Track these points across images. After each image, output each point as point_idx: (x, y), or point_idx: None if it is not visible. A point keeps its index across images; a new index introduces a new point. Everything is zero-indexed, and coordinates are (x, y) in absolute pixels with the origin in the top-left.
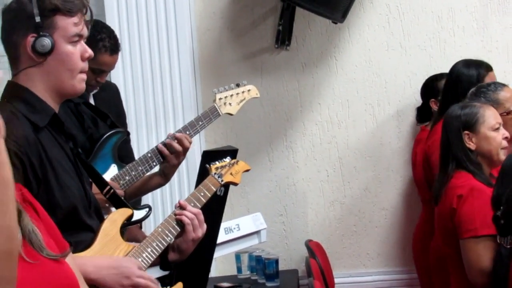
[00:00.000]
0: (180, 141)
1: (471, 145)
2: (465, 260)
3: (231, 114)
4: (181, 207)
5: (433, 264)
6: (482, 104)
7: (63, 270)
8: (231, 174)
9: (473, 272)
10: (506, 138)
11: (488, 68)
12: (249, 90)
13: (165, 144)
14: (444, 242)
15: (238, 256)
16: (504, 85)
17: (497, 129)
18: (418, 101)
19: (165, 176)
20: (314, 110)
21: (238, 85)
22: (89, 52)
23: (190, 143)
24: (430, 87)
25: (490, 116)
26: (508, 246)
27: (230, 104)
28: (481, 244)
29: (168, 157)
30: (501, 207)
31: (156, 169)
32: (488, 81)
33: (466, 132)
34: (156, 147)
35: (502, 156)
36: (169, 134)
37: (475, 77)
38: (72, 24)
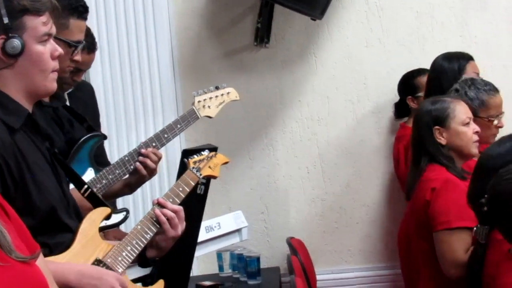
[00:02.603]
0: (148, 157)
1: (442, 140)
2: (439, 252)
3: (210, 117)
4: (160, 205)
5: (405, 259)
6: (453, 99)
7: (33, 272)
8: (209, 167)
9: (447, 264)
10: (476, 132)
11: (468, 57)
12: (228, 93)
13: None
14: (417, 235)
15: (219, 255)
16: (497, 91)
17: (468, 123)
18: (398, 97)
19: (131, 189)
20: (294, 107)
21: (217, 88)
22: (59, 50)
23: (159, 156)
24: (406, 84)
25: (460, 111)
26: (483, 241)
27: (209, 106)
28: (455, 236)
29: (143, 175)
30: (485, 195)
31: None
32: (470, 70)
33: (437, 127)
34: (139, 148)
35: (474, 150)
36: (141, 143)
37: (456, 69)
38: (41, 24)
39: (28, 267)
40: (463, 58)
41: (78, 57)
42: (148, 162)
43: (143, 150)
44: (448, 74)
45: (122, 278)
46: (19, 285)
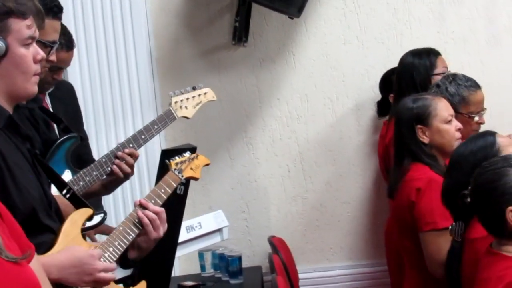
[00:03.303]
0: (125, 160)
1: (425, 139)
2: (426, 253)
3: (187, 118)
4: (142, 206)
5: (393, 257)
6: (434, 96)
7: (24, 272)
8: (191, 169)
9: (434, 265)
10: (459, 129)
11: (437, 53)
12: (205, 93)
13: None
14: (402, 235)
15: (201, 254)
16: (479, 87)
17: (450, 121)
18: (376, 94)
19: (107, 190)
20: (273, 105)
21: (194, 88)
22: (41, 54)
23: (136, 156)
24: (387, 81)
25: (442, 109)
26: (459, 239)
27: (186, 107)
28: (442, 237)
29: (119, 178)
30: (463, 189)
31: None
32: (440, 66)
33: (419, 126)
34: (116, 150)
35: None
36: (118, 145)
37: (428, 64)
38: (25, 27)
39: (19, 267)
40: (432, 54)
41: (53, 57)
42: (123, 165)
43: (119, 153)
44: (420, 70)
45: (100, 252)
46: (8, 285)
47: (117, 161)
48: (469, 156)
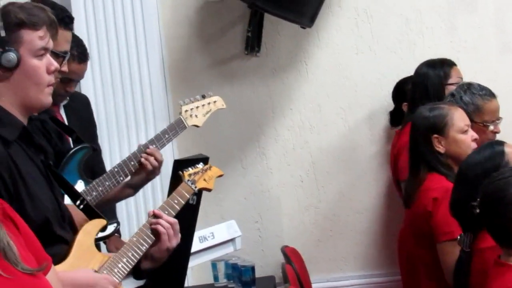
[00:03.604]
0: (154, 156)
1: (441, 148)
2: (443, 263)
3: (197, 126)
4: (155, 216)
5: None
6: (450, 106)
7: (40, 284)
8: (204, 180)
9: (451, 275)
10: (475, 140)
11: (451, 63)
12: (215, 101)
13: (137, 157)
14: (418, 243)
15: (214, 264)
16: (494, 96)
17: (466, 131)
18: (389, 103)
19: (135, 189)
20: (286, 115)
21: (203, 97)
22: (55, 65)
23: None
24: (401, 90)
25: (458, 119)
26: (468, 250)
27: (196, 116)
28: (459, 247)
29: (149, 170)
30: (471, 201)
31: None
32: (454, 76)
33: (435, 135)
34: (129, 160)
35: None
36: (139, 145)
37: (442, 75)
38: (37, 38)
39: (35, 279)
40: (447, 64)
41: (65, 68)
42: (151, 159)
43: (149, 150)
44: (434, 80)
45: (116, 282)
46: None
47: (144, 155)
48: (478, 166)
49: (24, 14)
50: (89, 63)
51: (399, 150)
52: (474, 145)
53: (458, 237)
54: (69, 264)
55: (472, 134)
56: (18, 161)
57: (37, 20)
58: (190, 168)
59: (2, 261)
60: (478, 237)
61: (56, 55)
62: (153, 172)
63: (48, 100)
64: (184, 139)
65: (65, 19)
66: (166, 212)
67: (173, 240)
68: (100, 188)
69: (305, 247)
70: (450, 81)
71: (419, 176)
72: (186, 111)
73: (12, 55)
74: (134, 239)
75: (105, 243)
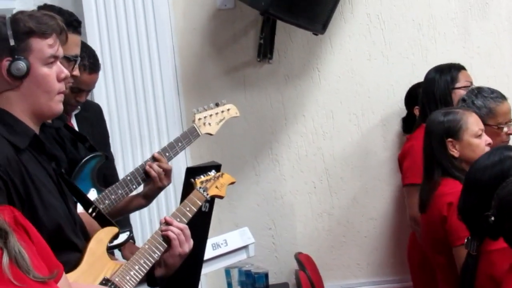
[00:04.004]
0: (158, 162)
1: (455, 153)
2: (459, 267)
3: (210, 134)
4: (167, 223)
5: (417, 272)
6: (464, 110)
7: None
8: (216, 187)
9: None
10: (489, 144)
11: (459, 67)
12: (228, 109)
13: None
14: (434, 249)
15: (227, 271)
16: (505, 98)
17: (480, 135)
18: (402, 109)
19: (147, 198)
20: (299, 122)
21: (217, 105)
22: (65, 72)
23: (162, 165)
24: (413, 95)
25: (472, 123)
26: (475, 253)
27: (209, 124)
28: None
29: (154, 178)
30: (480, 208)
31: (139, 189)
32: (462, 79)
33: (450, 139)
34: (142, 168)
35: None
36: (153, 154)
37: (449, 79)
38: (47, 46)
39: (46, 287)
40: (454, 68)
41: (76, 72)
42: (154, 166)
43: (156, 154)
44: (441, 84)
45: None
46: None
47: (149, 162)
48: (486, 171)
49: (33, 22)
50: (102, 73)
51: (403, 153)
52: (488, 149)
53: (465, 240)
54: (81, 271)
55: (486, 138)
56: (30, 168)
57: (46, 28)
58: (202, 176)
59: (14, 269)
60: (486, 240)
61: (67, 59)
62: (160, 180)
63: (59, 107)
64: (197, 147)
65: (73, 23)
66: (178, 220)
67: (184, 245)
68: (113, 197)
69: (318, 253)
70: (458, 85)
71: (433, 180)
72: (199, 119)
73: (22, 64)
74: (146, 246)
75: (120, 250)
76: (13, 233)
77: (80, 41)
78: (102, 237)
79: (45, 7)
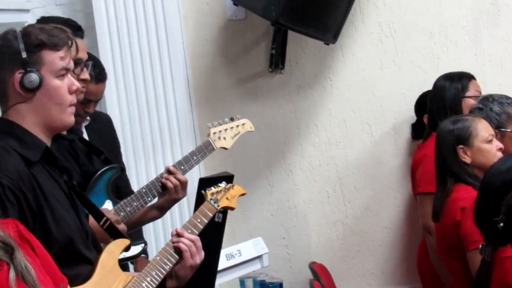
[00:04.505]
0: (174, 175)
1: (467, 159)
2: (474, 272)
3: (225, 148)
4: (178, 234)
5: (434, 280)
6: (473, 117)
7: None
8: (227, 198)
9: None
10: (500, 149)
11: (470, 76)
12: (243, 124)
13: (163, 178)
14: (448, 256)
15: (242, 282)
16: None
17: (490, 141)
18: (414, 117)
19: (161, 210)
20: (311, 131)
21: (232, 119)
22: (76, 85)
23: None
24: (422, 103)
25: (482, 129)
26: (489, 259)
27: (224, 138)
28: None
29: (171, 190)
30: (493, 213)
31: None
32: (472, 89)
33: (461, 146)
34: (157, 181)
35: None
36: (167, 167)
37: (460, 88)
38: (58, 58)
39: None
40: (465, 77)
41: (86, 75)
42: (171, 178)
43: (171, 167)
44: (451, 92)
45: None
46: None
47: (165, 174)
48: (501, 176)
49: (44, 35)
50: (114, 83)
51: (416, 163)
52: (499, 155)
53: (480, 246)
54: (93, 284)
55: (497, 143)
56: (41, 181)
57: (58, 41)
58: (212, 187)
59: (20, 284)
60: (499, 247)
61: (73, 62)
62: (176, 193)
63: (71, 119)
64: (210, 158)
65: (72, 29)
66: (189, 231)
67: (196, 257)
68: (128, 209)
69: (333, 263)
70: (468, 94)
71: (446, 188)
72: (214, 133)
73: (34, 76)
74: (158, 258)
75: (132, 263)
76: (19, 248)
77: (84, 46)
78: (113, 249)
79: (42, 20)
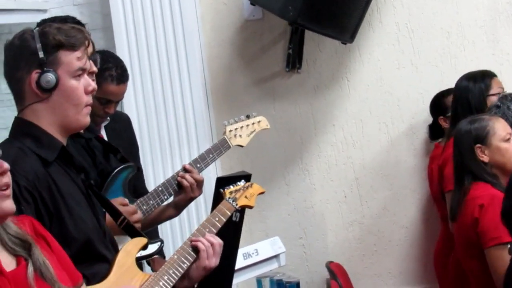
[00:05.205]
0: (190, 173)
1: (484, 158)
2: (493, 269)
3: (241, 146)
4: (185, 170)
5: (453, 280)
6: (491, 116)
7: None
8: (245, 197)
9: (501, 280)
10: None
11: (492, 74)
12: (259, 122)
13: (179, 177)
14: (467, 254)
15: (259, 281)
16: None
17: (508, 139)
18: (431, 118)
19: (178, 209)
20: (328, 131)
21: (248, 117)
22: (93, 85)
23: (195, 176)
24: (437, 104)
25: (500, 128)
26: None
27: (240, 136)
28: (507, 251)
29: (187, 188)
30: None
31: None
32: (495, 87)
33: (478, 145)
34: (173, 179)
35: None
36: (183, 166)
37: (483, 87)
38: (75, 59)
39: None
40: (487, 75)
41: (94, 69)
42: (187, 176)
43: (187, 166)
44: (476, 92)
45: None
46: None
47: (181, 173)
48: None
49: (62, 35)
50: (131, 84)
51: (444, 161)
52: None
53: (509, 245)
54: (110, 283)
55: None
56: (58, 180)
57: (75, 41)
58: (231, 186)
59: (39, 280)
60: None
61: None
62: (192, 191)
63: (86, 120)
64: (227, 157)
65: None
66: (207, 230)
67: (212, 259)
68: (144, 207)
69: (350, 262)
70: (491, 92)
71: (463, 187)
72: (230, 131)
73: (51, 76)
74: (175, 256)
75: (149, 263)
76: (36, 244)
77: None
78: (130, 248)
79: (46, 21)
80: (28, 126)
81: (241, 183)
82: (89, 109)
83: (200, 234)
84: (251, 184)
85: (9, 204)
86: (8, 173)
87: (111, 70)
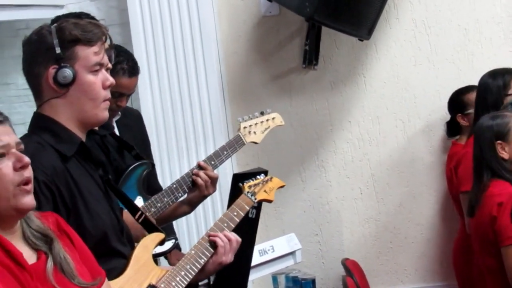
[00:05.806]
0: (204, 170)
1: (504, 155)
2: (508, 267)
3: (256, 143)
4: (200, 167)
5: (477, 279)
6: None
7: None
8: (265, 191)
9: None
10: None
11: None
12: (273, 118)
13: (193, 174)
14: (484, 252)
15: (274, 278)
16: None
17: None
18: (448, 114)
19: (192, 206)
20: (345, 128)
21: (262, 113)
22: (111, 80)
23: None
24: (455, 101)
25: None
26: None
27: (254, 132)
28: None
29: (201, 186)
30: None
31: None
32: None
33: (499, 142)
34: (187, 176)
35: None
36: (198, 162)
37: (501, 85)
38: (92, 54)
39: None
40: (508, 74)
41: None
42: (201, 174)
43: (202, 163)
44: (493, 90)
45: None
46: None
47: (195, 170)
48: None
49: (78, 30)
50: (148, 79)
51: (460, 159)
52: None
53: None
54: (127, 278)
55: None
56: (76, 176)
57: (92, 36)
58: (250, 180)
59: (58, 275)
60: None
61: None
62: (206, 188)
63: (105, 115)
64: (243, 154)
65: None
66: (225, 225)
67: (228, 255)
68: (159, 205)
69: (365, 259)
70: (510, 91)
71: (482, 183)
72: (244, 127)
73: (68, 71)
74: (193, 252)
75: (166, 258)
76: (58, 239)
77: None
78: (147, 243)
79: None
80: (47, 121)
81: (261, 177)
82: (107, 103)
83: (218, 229)
84: (271, 178)
85: (30, 200)
86: (30, 167)
87: (122, 64)
